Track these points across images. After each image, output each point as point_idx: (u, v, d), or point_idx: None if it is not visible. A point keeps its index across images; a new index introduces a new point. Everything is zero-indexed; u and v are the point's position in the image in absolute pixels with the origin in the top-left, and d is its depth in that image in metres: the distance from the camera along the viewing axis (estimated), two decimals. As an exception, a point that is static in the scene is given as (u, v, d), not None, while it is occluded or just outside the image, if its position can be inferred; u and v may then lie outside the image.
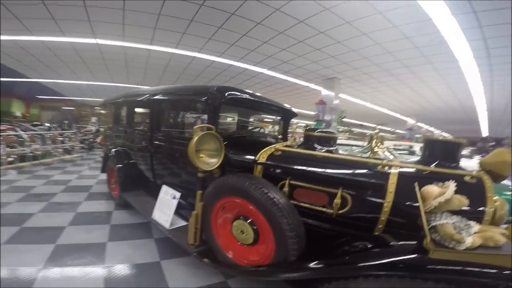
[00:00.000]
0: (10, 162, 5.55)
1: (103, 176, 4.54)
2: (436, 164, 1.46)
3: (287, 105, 2.94)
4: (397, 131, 21.74)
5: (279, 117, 3.02)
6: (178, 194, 2.20)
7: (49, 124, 9.35)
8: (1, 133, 5.80)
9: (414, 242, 1.18)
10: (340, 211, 1.50)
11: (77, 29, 5.94)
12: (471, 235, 1.13)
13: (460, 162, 1.50)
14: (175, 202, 2.17)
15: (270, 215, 1.44)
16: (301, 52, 6.77)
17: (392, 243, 1.26)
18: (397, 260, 1.13)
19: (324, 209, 1.55)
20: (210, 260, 1.72)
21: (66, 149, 7.48)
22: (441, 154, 1.47)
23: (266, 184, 1.51)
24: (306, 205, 1.62)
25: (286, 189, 1.65)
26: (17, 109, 14.79)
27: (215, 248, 1.79)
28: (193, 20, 5.32)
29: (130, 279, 1.93)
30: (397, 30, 5.15)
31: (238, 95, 2.16)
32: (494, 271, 1.00)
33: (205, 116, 2.12)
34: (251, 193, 1.49)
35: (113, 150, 3.40)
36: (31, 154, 6.15)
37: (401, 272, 1.09)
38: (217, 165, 1.83)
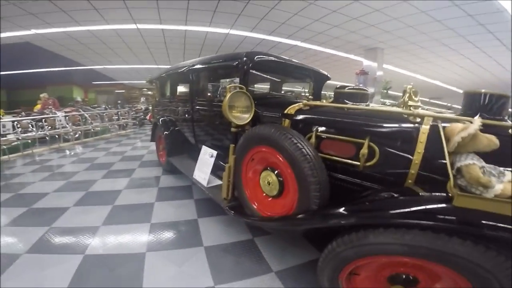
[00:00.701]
0: (77, 138, 6.54)
1: (153, 147, 5.14)
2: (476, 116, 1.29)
3: (323, 71, 2.92)
4: (454, 105, 19.46)
5: (310, 81, 3.01)
6: (215, 153, 2.43)
7: (105, 106, 10.60)
8: (68, 114, 6.82)
9: (444, 194, 1.05)
10: (368, 163, 1.43)
11: (118, 16, 6.40)
12: (503, 182, 0.96)
13: (505, 118, 1.32)
14: (212, 160, 2.42)
15: (293, 160, 1.45)
16: (336, 22, 6.38)
17: (420, 194, 1.15)
18: (416, 208, 1.03)
19: (351, 161, 1.50)
20: (238, 213, 1.89)
21: (121, 125, 8.63)
22: (482, 107, 1.30)
23: (290, 131, 1.54)
24: (333, 157, 1.58)
25: (313, 140, 1.64)
26: (78, 95, 16.80)
27: (243, 201, 1.93)
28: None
29: (171, 232, 2.27)
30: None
31: (266, 58, 2.27)
32: None
33: (237, 80, 2.27)
34: (276, 140, 1.53)
35: (161, 119, 3.83)
36: (93, 131, 7.17)
37: (418, 221, 0.99)
38: (248, 120, 1.98)
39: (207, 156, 2.49)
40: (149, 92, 17.29)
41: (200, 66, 2.82)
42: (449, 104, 20.20)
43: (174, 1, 5.61)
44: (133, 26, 7.10)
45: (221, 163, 2.51)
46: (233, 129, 2.01)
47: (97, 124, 7.46)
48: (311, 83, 2.99)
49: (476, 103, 1.32)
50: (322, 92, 3.03)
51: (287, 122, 1.86)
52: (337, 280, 1.29)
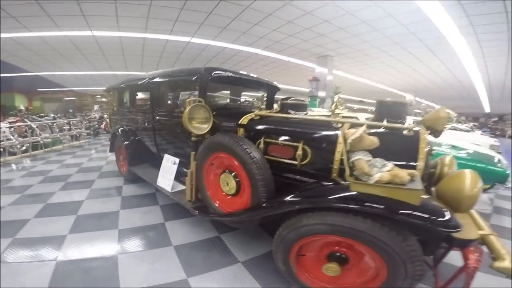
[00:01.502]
0: (24, 151, 6.00)
1: (112, 158, 4.95)
2: (384, 120, 1.63)
3: (275, 83, 3.21)
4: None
5: (264, 92, 3.27)
6: (177, 160, 2.56)
7: (53, 115, 9.78)
8: (13, 125, 6.22)
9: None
10: (303, 162, 1.74)
11: (72, 23, 6.16)
12: (382, 172, 1.25)
13: (405, 120, 1.68)
14: (175, 167, 2.55)
15: (244, 163, 1.71)
16: (291, 32, 6.93)
17: (339, 183, 1.45)
18: (331, 196, 1.31)
19: (291, 161, 1.80)
20: (202, 212, 2.09)
21: (73, 135, 7.99)
22: (389, 113, 1.66)
23: (241, 139, 1.80)
24: (277, 158, 1.87)
25: (261, 145, 1.92)
26: (20, 103, 15.16)
27: (206, 201, 2.12)
28: (183, 8, 5.52)
29: (140, 236, 2.34)
30: (379, 8, 5.29)
31: (223, 73, 2.46)
32: (406, 211, 1.13)
33: (196, 93, 2.40)
34: (231, 147, 1.77)
35: (120, 129, 3.77)
36: (42, 142, 6.57)
37: (328, 204, 1.28)
38: (207, 130, 2.14)
39: (170, 163, 2.60)
40: (104, 99, 16.35)
41: (161, 79, 2.91)
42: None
43: (134, 10, 5.59)
44: (88, 32, 6.84)
45: (184, 169, 2.63)
46: (193, 138, 2.18)
47: (47, 135, 6.86)
48: (264, 93, 3.27)
49: (383, 109, 1.72)
50: (275, 97, 3.32)
51: (241, 130, 2.11)
52: (288, 261, 1.58)
